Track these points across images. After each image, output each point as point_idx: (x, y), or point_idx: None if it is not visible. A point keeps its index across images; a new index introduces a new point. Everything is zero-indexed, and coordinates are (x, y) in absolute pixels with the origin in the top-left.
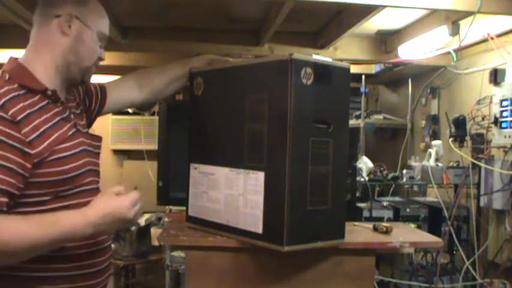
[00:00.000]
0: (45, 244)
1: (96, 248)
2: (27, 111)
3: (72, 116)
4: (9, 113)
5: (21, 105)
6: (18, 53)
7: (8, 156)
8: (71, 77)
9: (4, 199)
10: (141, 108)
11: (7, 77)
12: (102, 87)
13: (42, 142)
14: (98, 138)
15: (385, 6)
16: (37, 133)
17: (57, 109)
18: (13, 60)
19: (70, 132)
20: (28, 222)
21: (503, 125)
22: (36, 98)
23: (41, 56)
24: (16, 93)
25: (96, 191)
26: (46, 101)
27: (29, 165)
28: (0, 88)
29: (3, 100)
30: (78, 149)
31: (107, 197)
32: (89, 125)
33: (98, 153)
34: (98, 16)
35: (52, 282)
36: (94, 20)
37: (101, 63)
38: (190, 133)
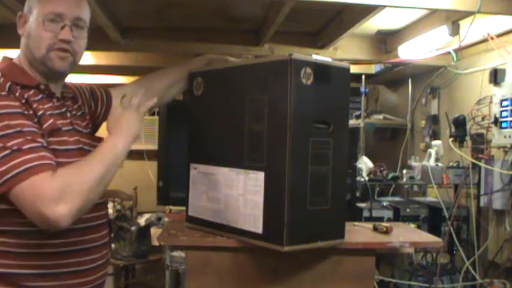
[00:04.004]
0: (113, 163)
1: (84, 246)
2: (26, 96)
3: (68, 114)
4: (16, 95)
5: (19, 91)
6: (17, 53)
7: (31, 124)
8: (40, 71)
9: (48, 154)
10: None
11: (0, 75)
12: (107, 93)
13: (41, 127)
14: (99, 139)
15: (385, 6)
16: (36, 118)
17: (51, 104)
18: (6, 59)
19: (63, 128)
20: (88, 156)
21: (503, 125)
22: (31, 92)
23: (21, 56)
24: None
25: None
26: (40, 96)
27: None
28: None
29: (7, 85)
30: (72, 146)
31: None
32: (95, 129)
33: None
34: (42, 0)
35: (38, 279)
36: (38, 6)
37: (101, 63)
38: (190, 133)
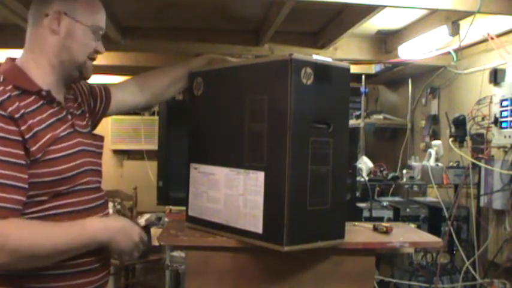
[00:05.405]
0: (72, 249)
1: None
2: (22, 111)
3: (69, 116)
4: (8, 111)
5: (17, 104)
6: (18, 53)
7: (17, 153)
8: (69, 75)
9: (22, 197)
10: (141, 109)
11: (1, 78)
12: (106, 89)
13: (35, 143)
14: (100, 138)
15: (385, 6)
16: (30, 134)
17: (52, 110)
18: (9, 61)
19: (64, 133)
20: (56, 227)
21: (503, 125)
22: (31, 98)
23: (36, 56)
24: (12, 94)
25: (96, 190)
26: (41, 102)
27: (29, 161)
28: None
29: (1, 99)
30: (74, 150)
31: (123, 218)
32: (94, 126)
33: (100, 153)
34: (90, 10)
35: (43, 280)
36: (85, 14)
37: (101, 63)
38: (190, 133)
